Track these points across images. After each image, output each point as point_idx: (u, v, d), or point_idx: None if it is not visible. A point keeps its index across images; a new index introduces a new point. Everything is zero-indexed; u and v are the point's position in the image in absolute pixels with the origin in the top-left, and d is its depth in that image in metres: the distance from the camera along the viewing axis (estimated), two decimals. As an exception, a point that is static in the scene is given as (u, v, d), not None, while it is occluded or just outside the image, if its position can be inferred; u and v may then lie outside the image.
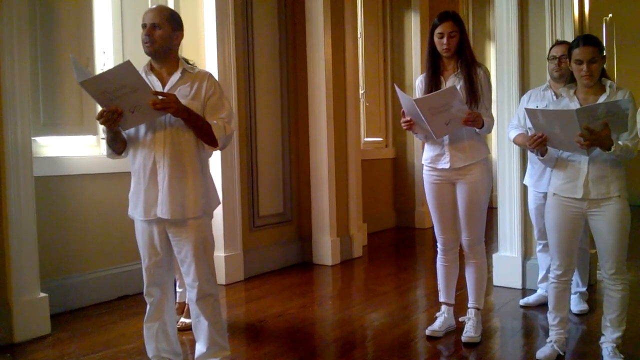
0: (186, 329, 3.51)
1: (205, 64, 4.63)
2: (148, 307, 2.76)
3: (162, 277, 2.71)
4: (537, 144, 2.80)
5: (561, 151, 2.86)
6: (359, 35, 6.78)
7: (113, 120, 2.43)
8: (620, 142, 2.68)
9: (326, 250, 5.38)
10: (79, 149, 4.19)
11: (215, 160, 4.37)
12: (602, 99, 2.77)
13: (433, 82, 3.20)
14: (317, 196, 5.41)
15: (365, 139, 7.17)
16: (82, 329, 3.57)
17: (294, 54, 5.46)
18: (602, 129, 2.61)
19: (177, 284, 3.71)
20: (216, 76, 4.59)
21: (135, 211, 2.63)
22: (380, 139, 7.53)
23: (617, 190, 2.76)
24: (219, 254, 4.68)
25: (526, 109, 2.90)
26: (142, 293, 4.49)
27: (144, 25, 2.55)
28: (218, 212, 4.33)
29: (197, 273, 2.62)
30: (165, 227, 2.60)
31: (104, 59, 4.31)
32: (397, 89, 3.10)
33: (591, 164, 2.77)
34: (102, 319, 3.76)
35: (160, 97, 2.41)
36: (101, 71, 2.70)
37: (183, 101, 2.50)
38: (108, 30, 4.34)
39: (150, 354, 2.80)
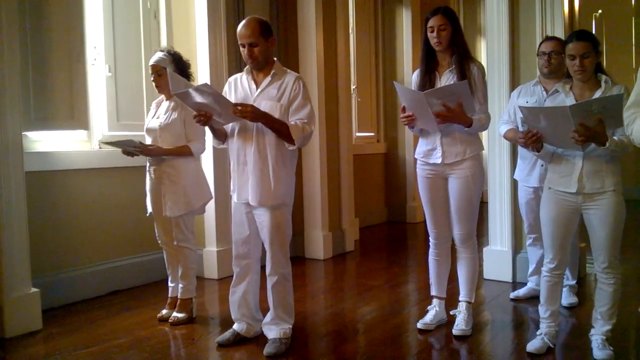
0: (178, 323, 3.51)
1: (197, 60, 4.61)
2: (234, 275, 3.21)
3: (248, 252, 3.16)
4: (531, 141, 2.80)
5: (556, 146, 2.86)
6: (350, 31, 6.78)
7: (204, 122, 2.92)
8: (615, 138, 2.67)
9: (318, 244, 5.39)
10: (70, 143, 4.17)
11: (207, 155, 4.36)
12: (597, 94, 2.77)
13: (427, 77, 3.20)
14: (309, 191, 5.42)
15: (357, 134, 7.19)
16: (74, 324, 3.56)
17: (286, 49, 5.45)
18: (596, 124, 2.59)
19: (170, 279, 3.71)
20: (208, 73, 4.59)
21: (234, 194, 3.10)
22: (372, 134, 7.55)
23: (612, 184, 2.76)
24: (212, 248, 4.67)
25: (520, 107, 2.90)
26: (133, 288, 4.53)
27: (242, 45, 2.92)
28: (210, 206, 4.32)
29: (272, 253, 3.06)
30: (252, 209, 3.04)
31: (95, 54, 4.29)
32: (396, 85, 3.09)
33: (586, 158, 2.77)
34: (93, 314, 3.76)
35: (239, 107, 2.80)
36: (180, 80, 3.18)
37: (268, 103, 2.93)
38: (99, 25, 4.32)
39: (233, 316, 3.26)
